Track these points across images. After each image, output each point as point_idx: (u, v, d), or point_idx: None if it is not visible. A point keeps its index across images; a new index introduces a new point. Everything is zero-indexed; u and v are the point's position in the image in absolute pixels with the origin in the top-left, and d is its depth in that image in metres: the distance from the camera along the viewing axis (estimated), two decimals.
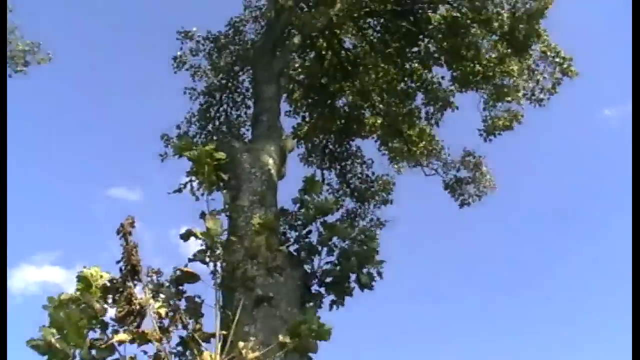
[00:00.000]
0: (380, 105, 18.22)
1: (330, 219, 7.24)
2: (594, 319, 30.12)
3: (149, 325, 5.09)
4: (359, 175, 18.70)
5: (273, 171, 8.90)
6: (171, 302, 5.29)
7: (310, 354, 5.41)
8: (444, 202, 17.91)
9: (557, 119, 27.98)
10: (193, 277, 5.41)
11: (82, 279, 4.97)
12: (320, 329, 5.21)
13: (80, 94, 31.37)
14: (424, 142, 18.12)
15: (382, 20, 18.09)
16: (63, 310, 4.68)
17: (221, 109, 17.74)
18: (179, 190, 5.94)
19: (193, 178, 5.64)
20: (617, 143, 30.99)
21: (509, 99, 16.86)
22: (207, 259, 5.51)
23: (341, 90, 18.50)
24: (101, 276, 5.10)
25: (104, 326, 5.05)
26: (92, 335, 4.95)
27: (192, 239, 5.51)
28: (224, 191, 6.41)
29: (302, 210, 7.29)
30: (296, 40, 14.08)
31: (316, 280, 7.03)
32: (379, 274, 6.97)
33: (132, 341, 4.97)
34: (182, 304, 5.37)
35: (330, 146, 18.77)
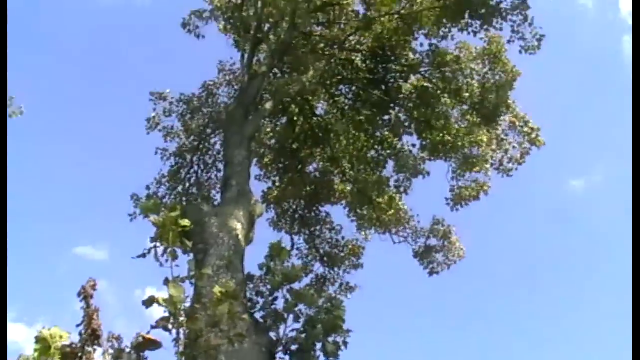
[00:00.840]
0: (350, 172, 18.46)
1: (299, 283, 7.26)
2: None
3: None
4: (328, 240, 18.73)
5: (241, 236, 8.91)
6: None
7: None
8: (412, 269, 17.98)
9: (525, 188, 28.57)
10: (155, 344, 5.28)
11: (41, 340, 4.80)
12: None
13: (50, 150, 31.10)
14: (392, 210, 18.24)
15: (354, 87, 18.60)
16: None
17: (191, 170, 17.75)
18: (143, 255, 5.91)
19: (157, 244, 5.61)
20: (584, 212, 32.00)
21: (477, 168, 17.24)
22: (170, 326, 5.43)
23: (311, 155, 18.81)
24: (61, 337, 4.91)
25: None
26: None
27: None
28: (189, 258, 6.39)
29: (269, 276, 7.29)
30: (268, 105, 14.33)
31: (281, 347, 6.98)
32: (345, 343, 6.97)
33: None
34: None
35: (300, 211, 18.81)
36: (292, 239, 18.40)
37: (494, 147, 17.33)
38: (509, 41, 16.47)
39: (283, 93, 15.25)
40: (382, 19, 17.45)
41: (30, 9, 29.88)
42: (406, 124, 18.11)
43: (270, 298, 7.22)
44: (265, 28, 16.69)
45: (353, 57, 18.22)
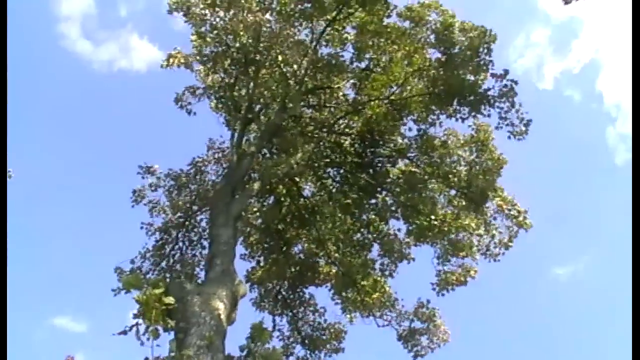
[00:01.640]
0: (336, 255, 18.37)
1: None
2: None
3: None
4: (311, 323, 18.41)
5: (223, 316, 8.79)
6: None
7: None
8: (396, 353, 17.73)
9: (510, 275, 28.60)
10: None
11: None
12: None
13: (36, 217, 30.89)
14: (377, 293, 18.03)
15: (342, 171, 18.85)
16: None
17: (176, 246, 17.56)
18: (124, 333, 5.84)
19: (140, 321, 5.56)
20: (567, 300, 32.00)
21: (464, 254, 17.24)
22: None
23: (297, 237, 18.74)
24: None
25: None
26: None
27: None
28: (170, 337, 6.32)
29: (249, 358, 7.17)
30: (256, 185, 14.46)
31: None
32: None
33: None
34: None
35: (283, 292, 18.58)
36: (274, 320, 18.15)
37: (481, 232, 17.40)
38: (497, 127, 16.95)
39: (271, 174, 15.31)
40: (372, 103, 17.97)
41: (22, 74, 30.26)
42: (393, 208, 18.23)
43: None
44: (256, 109, 17.17)
45: (342, 141, 18.62)
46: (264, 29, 15.41)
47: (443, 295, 17.30)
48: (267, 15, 16.03)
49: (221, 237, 11.16)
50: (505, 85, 16.42)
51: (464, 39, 16.21)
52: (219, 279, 9.90)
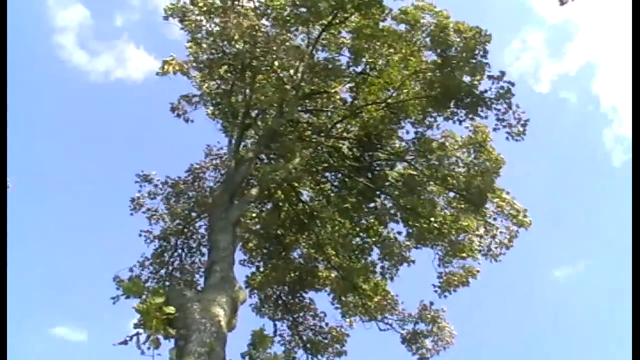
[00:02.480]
0: (335, 259, 18.35)
1: None
2: None
3: None
4: (312, 327, 18.35)
5: (223, 323, 8.75)
6: None
7: None
8: (399, 355, 17.69)
9: (509, 277, 28.65)
10: None
11: None
12: None
13: (31, 227, 30.88)
14: (378, 297, 18.02)
15: (340, 175, 18.86)
16: None
17: (175, 254, 17.52)
18: (125, 342, 5.80)
19: (140, 331, 5.52)
20: (566, 302, 31.93)
21: (464, 255, 17.21)
22: None
23: (296, 242, 18.74)
24: None
25: None
26: None
27: None
28: (171, 347, 6.27)
29: None
30: (254, 191, 14.34)
31: None
32: None
33: None
34: None
35: (284, 297, 18.54)
36: (275, 325, 18.11)
37: (481, 232, 17.40)
38: (494, 129, 16.95)
39: (269, 179, 15.24)
40: (369, 107, 18.01)
41: (18, 85, 30.25)
42: (392, 211, 18.21)
43: None
44: (254, 114, 17.09)
45: (340, 145, 18.56)
46: (260, 34, 15.25)
47: (445, 297, 17.30)
48: (263, 21, 15.99)
49: (220, 243, 11.14)
50: (502, 87, 16.42)
51: (459, 40, 16.19)
52: (219, 285, 9.86)
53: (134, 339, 5.67)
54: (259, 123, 17.18)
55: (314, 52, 17.50)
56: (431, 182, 17.67)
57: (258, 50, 15.37)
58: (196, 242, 17.76)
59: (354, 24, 17.46)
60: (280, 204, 18.53)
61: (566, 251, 33.90)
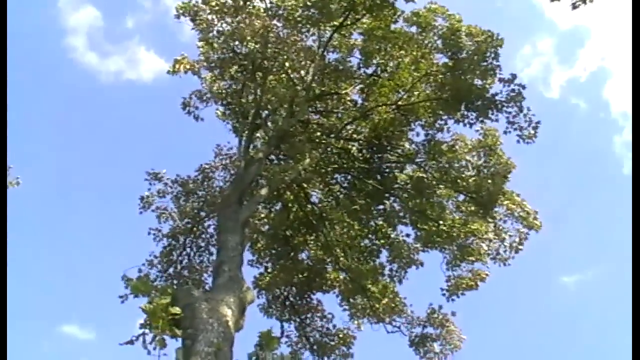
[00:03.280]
0: (344, 260, 18.24)
1: None
2: None
3: None
4: (319, 329, 18.23)
5: (231, 323, 8.67)
6: None
7: None
8: (407, 358, 17.44)
9: (517, 282, 28.47)
10: None
11: None
12: None
13: (41, 226, 31.04)
14: (386, 299, 17.83)
15: (349, 177, 18.81)
16: None
17: (184, 252, 17.40)
18: (131, 342, 5.74)
19: (146, 331, 5.46)
20: (575, 309, 32.07)
21: (473, 258, 17.09)
22: None
23: (305, 243, 18.68)
24: None
25: None
26: None
27: None
28: (177, 347, 6.22)
29: None
30: (263, 191, 14.23)
31: None
32: None
33: None
34: None
35: (291, 298, 18.43)
36: (282, 326, 17.96)
37: (490, 236, 17.25)
38: (505, 132, 16.92)
39: (279, 180, 15.27)
40: (379, 109, 17.95)
41: (30, 87, 30.47)
42: (401, 214, 18.18)
43: None
44: (264, 115, 17.07)
45: (349, 147, 18.59)
46: (271, 35, 15.15)
47: (453, 300, 17.19)
48: (275, 22, 15.86)
49: (229, 243, 10.96)
50: (513, 90, 16.41)
51: (470, 43, 16.18)
52: (227, 285, 9.76)
53: (140, 338, 5.59)
54: (269, 124, 17.13)
55: (325, 53, 17.49)
56: (441, 185, 17.61)
57: (269, 50, 15.28)
58: (205, 241, 17.64)
59: (365, 26, 17.46)
60: (290, 204, 18.51)
61: (575, 258, 33.68)
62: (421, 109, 17.59)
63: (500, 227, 17.36)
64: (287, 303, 18.37)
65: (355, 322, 18.13)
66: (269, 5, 16.43)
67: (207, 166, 18.11)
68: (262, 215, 18.46)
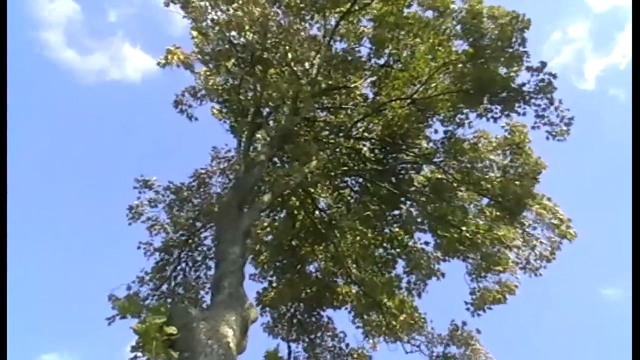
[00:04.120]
0: (356, 273, 18.13)
1: None
2: None
3: None
4: (330, 349, 18.14)
5: (232, 344, 8.50)
6: None
7: None
8: None
9: (551, 294, 28.15)
10: None
11: None
12: None
13: (13, 241, 30.84)
14: (404, 315, 17.64)
15: (361, 180, 18.74)
16: None
17: (179, 267, 17.24)
18: None
19: (139, 354, 5.31)
20: (617, 323, 31.33)
21: (500, 268, 16.84)
22: None
23: (313, 254, 18.62)
24: None
25: None
26: None
27: None
28: None
29: None
30: (266, 197, 13.91)
31: None
32: None
33: None
34: None
35: (299, 316, 18.36)
36: (289, 347, 17.86)
37: (518, 243, 16.99)
38: (533, 127, 16.79)
39: (283, 185, 14.98)
40: (393, 104, 17.82)
41: (12, 88, 30.32)
42: (419, 219, 18.02)
43: None
44: (265, 112, 17.00)
45: (361, 147, 18.54)
46: (272, 23, 15.09)
47: (479, 315, 16.97)
48: (275, 9, 15.80)
49: (229, 256, 10.81)
50: (542, 80, 16.23)
51: (493, 27, 16.05)
52: (227, 302, 9.58)
53: None
54: (271, 122, 17.11)
55: (331, 43, 17.41)
56: (462, 187, 17.46)
57: (269, 41, 15.28)
58: (202, 254, 17.58)
59: (375, 11, 17.43)
60: (295, 212, 18.45)
61: (617, 267, 33.22)
62: (439, 102, 17.42)
63: (530, 234, 17.11)
64: (295, 321, 18.29)
65: (370, 340, 18.06)
66: None
67: (202, 171, 18.14)
68: (265, 224, 18.48)
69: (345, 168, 18.32)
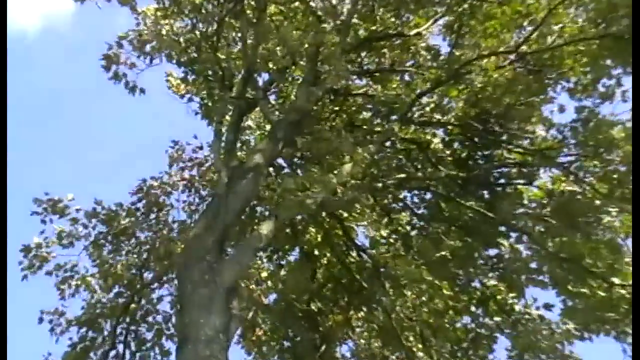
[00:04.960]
0: (423, 358, 17.67)
1: None
2: None
3: None
4: None
5: None
6: None
7: None
8: None
9: None
10: None
11: None
12: None
13: None
14: None
15: (428, 195, 18.68)
16: None
17: (112, 354, 16.84)
18: None
19: None
20: None
21: None
22: None
23: (346, 325, 18.49)
24: None
25: None
26: None
27: None
28: None
29: None
30: (265, 228, 13.46)
31: None
32: None
33: None
34: None
35: None
36: None
37: None
38: None
39: (295, 206, 14.16)
40: (484, 62, 17.46)
41: None
42: (532, 265, 17.69)
43: None
44: (261, 81, 17.09)
45: (428, 138, 18.67)
46: None
47: None
48: None
49: (200, 331, 10.64)
50: None
51: None
52: None
53: None
54: (273, 99, 17.25)
55: None
56: (611, 207, 16.65)
57: None
58: (152, 330, 17.37)
59: None
60: (316, 252, 18.35)
61: None
62: (568, 58, 16.97)
63: None
64: None
65: None
66: None
67: (154, 183, 17.92)
68: (264, 275, 18.25)
69: (401, 176, 17.97)
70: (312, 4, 16.87)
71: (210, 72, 17.18)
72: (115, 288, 17.30)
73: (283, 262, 18.63)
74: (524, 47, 17.26)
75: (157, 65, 17.09)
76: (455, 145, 18.18)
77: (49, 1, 36.30)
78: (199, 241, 12.84)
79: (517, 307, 17.89)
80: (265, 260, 18.09)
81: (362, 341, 18.56)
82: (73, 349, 16.63)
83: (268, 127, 16.76)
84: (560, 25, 17.03)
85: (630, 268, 16.60)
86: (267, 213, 15.65)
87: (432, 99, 18.18)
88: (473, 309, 18.20)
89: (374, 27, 17.86)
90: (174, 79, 18.08)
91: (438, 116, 18.24)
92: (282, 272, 18.47)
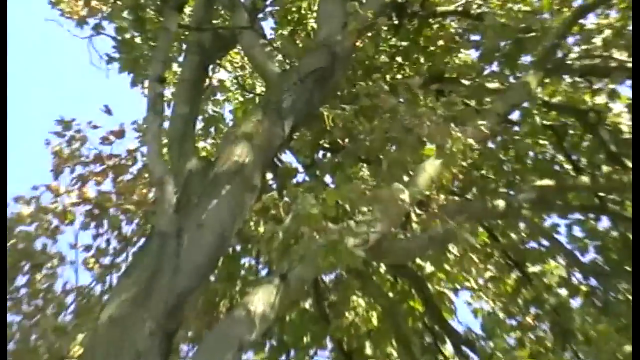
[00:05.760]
0: None
1: None
2: None
3: None
4: None
5: None
6: None
7: None
8: None
9: None
10: None
11: None
12: None
13: None
14: None
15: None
16: None
17: None
18: None
19: None
20: None
21: None
22: None
23: None
24: None
25: None
26: None
27: None
28: None
29: None
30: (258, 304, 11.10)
31: None
32: None
33: None
34: None
35: None
36: None
37: None
38: None
39: (323, 253, 11.56)
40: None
41: None
42: None
43: None
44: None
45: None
46: None
47: None
48: None
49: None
50: None
51: None
52: None
53: None
54: (271, 27, 17.73)
55: None
56: None
57: None
58: None
59: None
60: (367, 349, 17.79)
61: None
62: None
63: None
64: None
65: None
66: None
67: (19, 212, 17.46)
68: None
69: (546, 184, 15.74)
70: None
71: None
72: None
73: None
74: None
75: None
76: None
77: None
78: (120, 334, 10.54)
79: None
80: None
81: None
82: None
83: (262, 88, 15.08)
84: None
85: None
86: (263, 268, 14.47)
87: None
88: None
89: None
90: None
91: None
92: None
